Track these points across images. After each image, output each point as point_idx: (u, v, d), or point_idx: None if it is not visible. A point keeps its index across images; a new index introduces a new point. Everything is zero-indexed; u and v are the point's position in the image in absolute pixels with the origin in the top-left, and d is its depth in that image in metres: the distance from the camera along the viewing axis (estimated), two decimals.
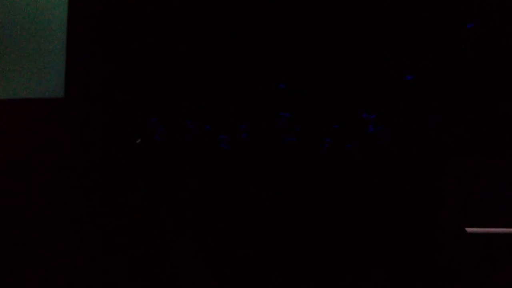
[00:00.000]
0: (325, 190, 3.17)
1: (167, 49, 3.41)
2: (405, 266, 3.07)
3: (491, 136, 3.08)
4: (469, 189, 3.02)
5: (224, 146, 3.31)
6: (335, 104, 3.27)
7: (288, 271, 3.15)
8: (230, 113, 3.36)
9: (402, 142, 3.16)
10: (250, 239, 3.19)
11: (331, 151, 3.22)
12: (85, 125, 3.39)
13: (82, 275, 3.23)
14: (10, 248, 3.28)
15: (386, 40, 3.24)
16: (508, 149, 3.04)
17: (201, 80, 3.40)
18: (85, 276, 3.23)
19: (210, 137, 3.35)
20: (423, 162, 3.11)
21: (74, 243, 3.26)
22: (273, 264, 3.17)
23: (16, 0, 3.50)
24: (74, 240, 3.27)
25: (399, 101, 3.20)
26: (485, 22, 3.13)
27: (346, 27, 3.29)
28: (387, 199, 3.12)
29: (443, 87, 3.16)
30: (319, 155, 3.23)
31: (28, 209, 3.32)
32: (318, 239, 3.16)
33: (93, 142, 3.37)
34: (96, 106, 3.39)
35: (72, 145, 3.37)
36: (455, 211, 3.03)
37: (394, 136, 3.17)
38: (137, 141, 3.38)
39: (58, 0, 3.48)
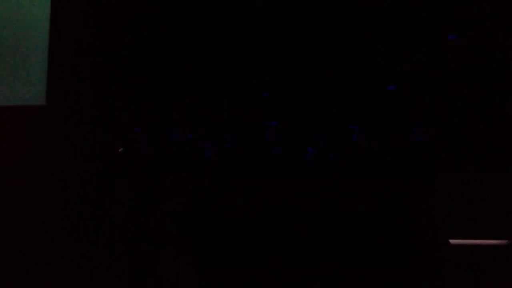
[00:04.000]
0: (312, 202, 3.15)
1: (150, 57, 3.40)
2: (393, 278, 3.05)
3: (480, 149, 3.07)
4: (457, 201, 3.02)
5: (208, 154, 3.29)
6: (321, 114, 3.26)
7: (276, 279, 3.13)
8: (214, 122, 3.34)
9: (390, 153, 3.15)
10: (238, 247, 3.17)
11: (316, 162, 3.20)
12: (67, 132, 3.36)
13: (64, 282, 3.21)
14: None
15: (373, 48, 3.24)
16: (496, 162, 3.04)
17: (185, 89, 3.39)
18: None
19: (193, 146, 3.33)
20: (411, 174, 3.10)
21: (56, 250, 3.23)
22: (260, 271, 3.14)
23: None
24: (56, 246, 3.24)
25: (387, 113, 3.19)
26: (471, 32, 3.13)
27: (332, 37, 3.29)
28: (374, 211, 3.10)
29: (432, 100, 3.16)
30: (304, 166, 3.21)
31: (8, 218, 3.29)
32: (306, 249, 3.14)
33: (75, 150, 3.35)
34: (78, 114, 3.37)
35: (54, 153, 3.35)
36: (443, 223, 3.02)
37: (383, 148, 3.15)
38: (120, 150, 3.35)
39: (40, 7, 3.46)
